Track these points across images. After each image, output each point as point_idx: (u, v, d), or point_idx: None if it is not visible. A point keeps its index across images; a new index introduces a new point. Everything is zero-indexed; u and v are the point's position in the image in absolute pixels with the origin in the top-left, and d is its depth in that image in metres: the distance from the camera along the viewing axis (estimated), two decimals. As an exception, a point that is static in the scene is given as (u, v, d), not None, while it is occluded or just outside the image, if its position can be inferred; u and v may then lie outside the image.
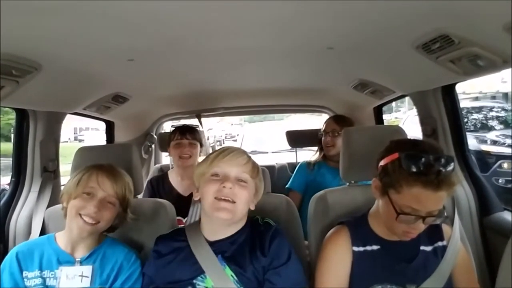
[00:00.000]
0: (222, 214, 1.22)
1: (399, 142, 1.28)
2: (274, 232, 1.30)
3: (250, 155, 1.35)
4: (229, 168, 1.26)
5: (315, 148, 2.68)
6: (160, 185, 2.40)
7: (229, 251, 1.28)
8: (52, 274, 1.36)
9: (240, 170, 1.26)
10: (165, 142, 2.88)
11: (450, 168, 1.16)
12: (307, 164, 2.55)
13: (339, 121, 2.56)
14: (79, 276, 1.35)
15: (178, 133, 2.38)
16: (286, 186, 2.53)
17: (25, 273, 1.35)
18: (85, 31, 1.25)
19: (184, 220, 1.97)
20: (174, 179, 2.39)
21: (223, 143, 14.07)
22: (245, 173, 1.27)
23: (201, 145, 2.43)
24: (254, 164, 1.32)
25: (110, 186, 1.40)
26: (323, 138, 2.52)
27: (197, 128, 2.53)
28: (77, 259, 1.39)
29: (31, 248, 1.41)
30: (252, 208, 1.32)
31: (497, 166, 5.31)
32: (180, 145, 2.35)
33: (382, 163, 1.26)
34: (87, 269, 1.37)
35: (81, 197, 1.37)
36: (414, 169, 1.15)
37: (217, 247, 1.28)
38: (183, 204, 1.90)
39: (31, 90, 1.61)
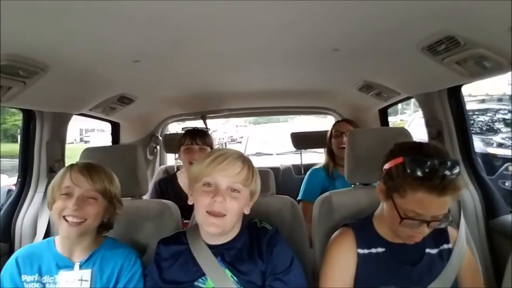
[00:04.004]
0: (211, 229, 1.21)
1: (403, 146, 1.27)
2: (272, 237, 1.30)
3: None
4: (221, 179, 1.22)
5: (320, 150, 2.67)
6: (168, 187, 2.38)
7: (227, 255, 1.28)
8: (51, 280, 1.35)
9: (232, 180, 1.22)
10: (170, 143, 2.89)
11: (455, 172, 1.14)
12: (325, 171, 2.49)
13: (352, 123, 2.62)
14: (79, 280, 1.34)
15: (188, 137, 2.35)
16: (298, 198, 2.43)
17: (23, 277, 1.35)
18: (92, 32, 1.26)
19: None
20: (183, 181, 2.36)
21: (226, 146, 14.01)
22: (237, 183, 1.23)
23: (212, 149, 2.37)
24: (249, 171, 1.26)
25: (85, 181, 1.36)
26: (335, 139, 2.50)
27: (208, 132, 2.50)
28: (76, 263, 1.37)
29: (31, 253, 1.40)
30: (247, 212, 1.30)
31: (503, 169, 5.27)
32: (190, 150, 2.31)
33: (386, 166, 1.25)
34: (86, 273, 1.36)
35: (60, 199, 1.34)
36: (418, 174, 1.14)
37: (216, 250, 1.29)
38: (192, 206, 1.88)
39: (38, 91, 1.62)
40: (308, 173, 2.57)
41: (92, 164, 1.43)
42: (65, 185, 1.35)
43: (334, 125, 2.63)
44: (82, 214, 1.32)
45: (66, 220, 1.32)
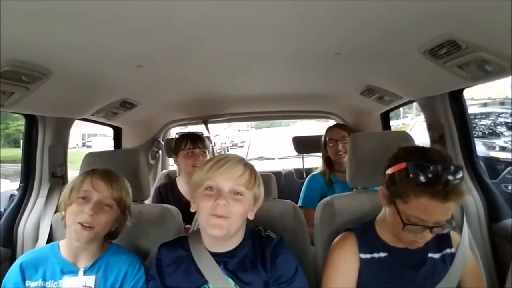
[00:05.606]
0: (215, 231, 1.19)
1: (407, 151, 1.26)
2: (276, 246, 1.28)
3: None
4: (223, 182, 1.20)
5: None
6: (168, 192, 2.40)
7: (230, 264, 1.26)
8: (55, 285, 1.34)
9: (235, 183, 1.21)
10: (172, 148, 2.89)
11: (458, 177, 1.13)
12: (323, 177, 2.47)
13: (345, 128, 2.58)
14: (82, 286, 1.34)
15: (190, 142, 2.39)
16: (298, 204, 2.32)
17: (27, 283, 1.34)
18: (94, 38, 1.27)
19: None
20: (183, 186, 2.39)
21: (227, 151, 13.99)
22: (240, 186, 1.21)
23: (208, 152, 2.45)
24: (251, 174, 1.24)
25: (105, 188, 1.37)
26: (330, 146, 2.48)
27: (203, 136, 2.55)
28: (80, 269, 1.36)
29: (35, 258, 1.39)
30: (251, 218, 1.27)
31: (506, 173, 5.24)
32: (194, 154, 2.36)
33: (389, 171, 1.25)
34: (90, 279, 1.35)
35: (76, 203, 1.34)
36: (421, 179, 1.13)
37: (219, 258, 1.26)
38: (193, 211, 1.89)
39: (40, 96, 1.63)
40: (307, 179, 2.55)
41: (113, 172, 1.44)
42: (84, 189, 1.36)
43: (327, 132, 2.57)
44: (94, 220, 1.32)
45: (80, 224, 1.31)
